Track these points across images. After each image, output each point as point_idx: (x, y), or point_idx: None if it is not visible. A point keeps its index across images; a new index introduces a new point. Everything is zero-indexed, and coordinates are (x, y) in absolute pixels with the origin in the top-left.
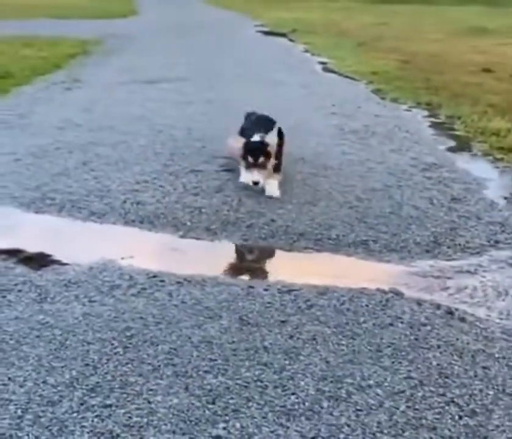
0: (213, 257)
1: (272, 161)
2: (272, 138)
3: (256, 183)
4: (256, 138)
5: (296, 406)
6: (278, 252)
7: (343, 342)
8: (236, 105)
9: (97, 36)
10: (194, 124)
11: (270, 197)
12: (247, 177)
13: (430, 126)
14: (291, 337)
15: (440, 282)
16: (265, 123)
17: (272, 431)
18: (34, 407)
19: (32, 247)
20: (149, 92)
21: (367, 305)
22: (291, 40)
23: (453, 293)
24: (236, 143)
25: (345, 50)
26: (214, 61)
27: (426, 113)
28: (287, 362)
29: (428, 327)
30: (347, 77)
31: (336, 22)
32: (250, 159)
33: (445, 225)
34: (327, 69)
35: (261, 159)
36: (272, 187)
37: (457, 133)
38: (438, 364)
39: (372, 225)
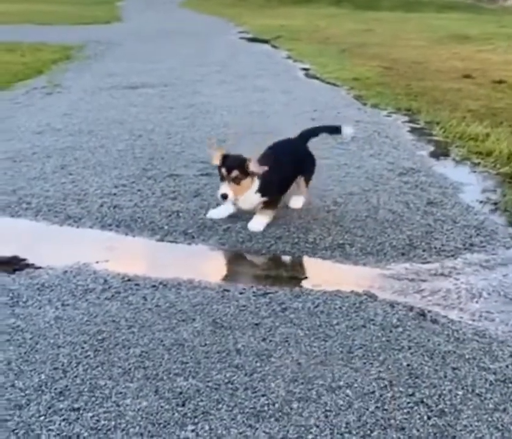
0: (189, 261)
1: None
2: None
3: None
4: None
5: (266, 408)
6: (255, 256)
7: (315, 344)
8: (217, 111)
9: (80, 42)
10: (174, 128)
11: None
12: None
13: (409, 131)
14: (264, 339)
15: (414, 285)
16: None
17: (240, 433)
18: (1, 411)
19: (5, 251)
20: (130, 98)
21: (340, 308)
22: (274, 46)
23: (427, 295)
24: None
25: (328, 56)
26: (197, 66)
27: (406, 118)
28: (258, 364)
29: (400, 329)
30: (329, 83)
31: (320, 28)
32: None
33: (421, 229)
34: (309, 75)
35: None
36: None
37: (435, 138)
38: (409, 365)
39: (348, 228)
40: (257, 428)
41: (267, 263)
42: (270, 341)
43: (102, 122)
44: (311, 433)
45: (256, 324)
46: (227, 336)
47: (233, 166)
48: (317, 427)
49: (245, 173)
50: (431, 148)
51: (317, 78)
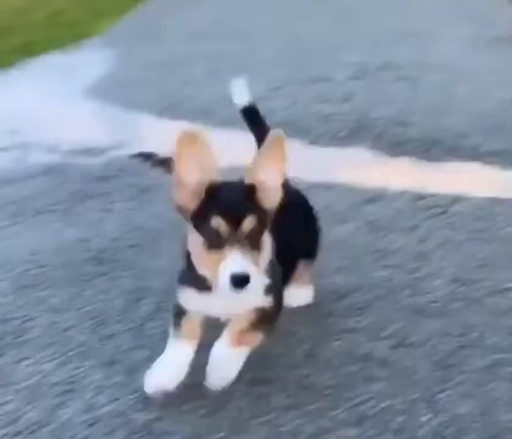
0: (341, 164)
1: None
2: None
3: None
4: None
5: (427, 306)
6: (410, 160)
7: (476, 247)
8: (366, 15)
9: None
10: (323, 31)
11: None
12: None
13: None
14: (422, 241)
15: None
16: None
17: (403, 327)
18: (172, 295)
19: (165, 151)
20: (277, 1)
21: (502, 214)
22: None
23: None
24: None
25: None
26: None
27: None
28: (417, 265)
29: None
30: None
31: None
32: None
33: None
34: None
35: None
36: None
37: None
38: None
39: (510, 135)
40: (420, 323)
41: (424, 167)
42: (429, 242)
43: (251, 26)
44: (475, 331)
45: (414, 226)
46: (384, 237)
47: (244, 207)
48: (481, 325)
49: (263, 212)
50: None
51: None
